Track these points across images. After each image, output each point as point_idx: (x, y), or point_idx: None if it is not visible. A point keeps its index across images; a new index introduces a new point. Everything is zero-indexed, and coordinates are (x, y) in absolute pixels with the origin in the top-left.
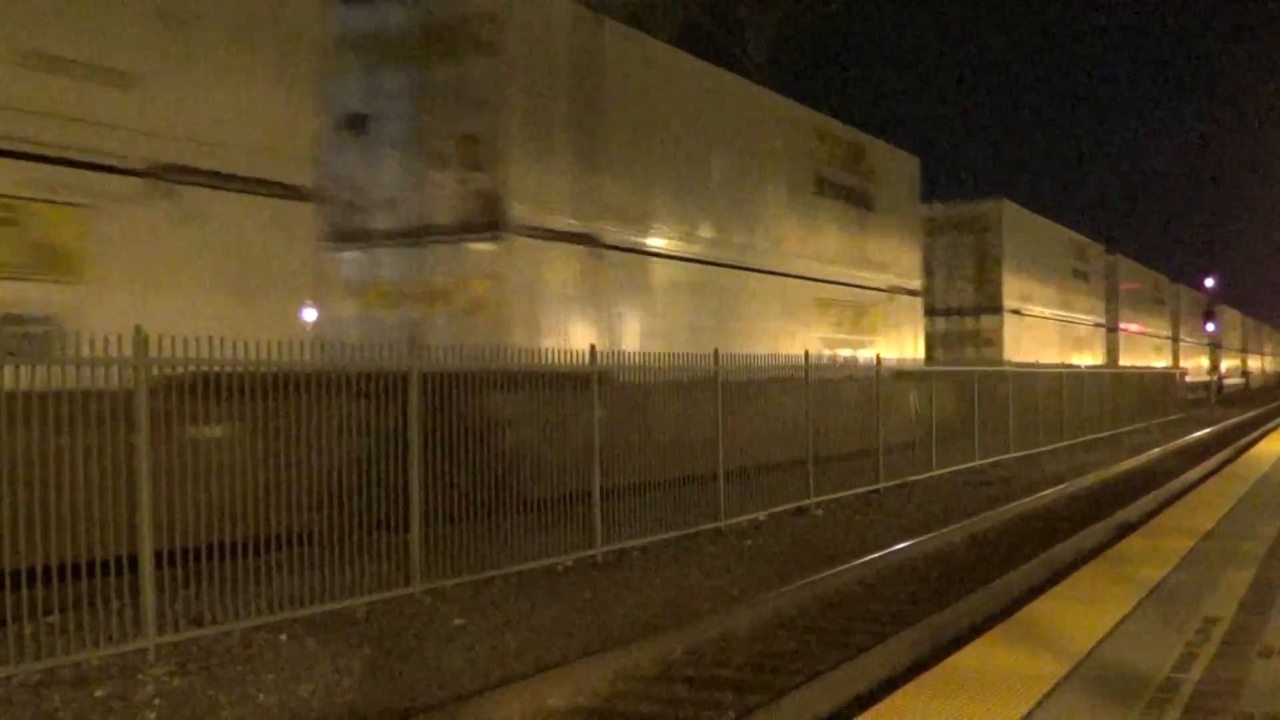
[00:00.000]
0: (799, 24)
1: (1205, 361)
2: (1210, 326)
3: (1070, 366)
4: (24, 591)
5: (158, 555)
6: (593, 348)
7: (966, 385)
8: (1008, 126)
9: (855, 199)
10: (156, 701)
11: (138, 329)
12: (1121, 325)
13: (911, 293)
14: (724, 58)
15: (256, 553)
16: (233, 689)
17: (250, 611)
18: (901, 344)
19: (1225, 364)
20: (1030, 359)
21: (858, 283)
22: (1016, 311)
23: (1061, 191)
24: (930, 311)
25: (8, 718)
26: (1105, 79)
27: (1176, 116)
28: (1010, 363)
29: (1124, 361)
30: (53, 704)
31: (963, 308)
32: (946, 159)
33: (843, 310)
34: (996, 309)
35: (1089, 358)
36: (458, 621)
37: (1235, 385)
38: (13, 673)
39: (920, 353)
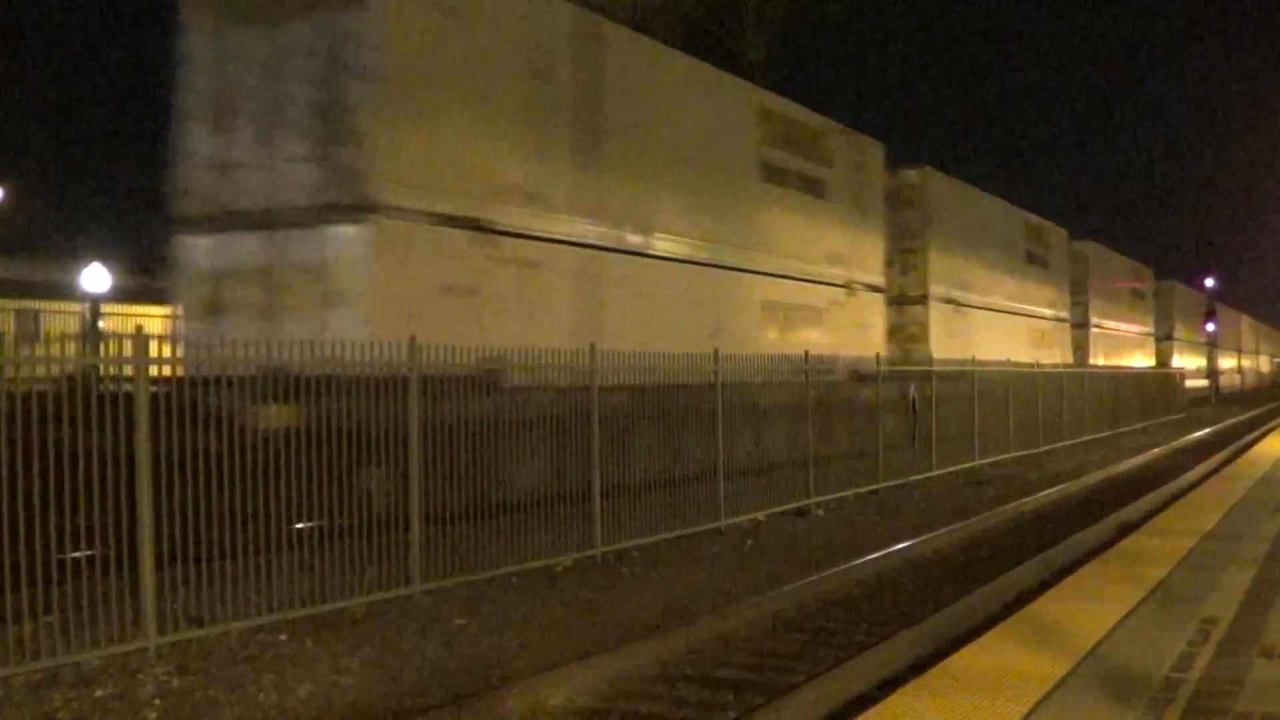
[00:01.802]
0: (799, 23)
1: (1144, 359)
2: (1211, 327)
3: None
4: (24, 591)
5: (158, 555)
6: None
7: None
8: (1007, 125)
9: None
10: (156, 701)
11: (138, 330)
12: (935, 292)
13: None
14: (724, 57)
15: (257, 552)
16: (233, 689)
17: (250, 611)
18: None
19: (1182, 362)
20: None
21: None
22: (482, 228)
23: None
24: (220, 223)
25: (8, 718)
26: (1106, 77)
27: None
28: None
29: (940, 352)
30: (53, 704)
31: (279, 208)
32: (947, 160)
33: None
34: (357, 210)
35: (813, 337)
36: (458, 621)
37: (1197, 390)
38: (13, 673)
39: None
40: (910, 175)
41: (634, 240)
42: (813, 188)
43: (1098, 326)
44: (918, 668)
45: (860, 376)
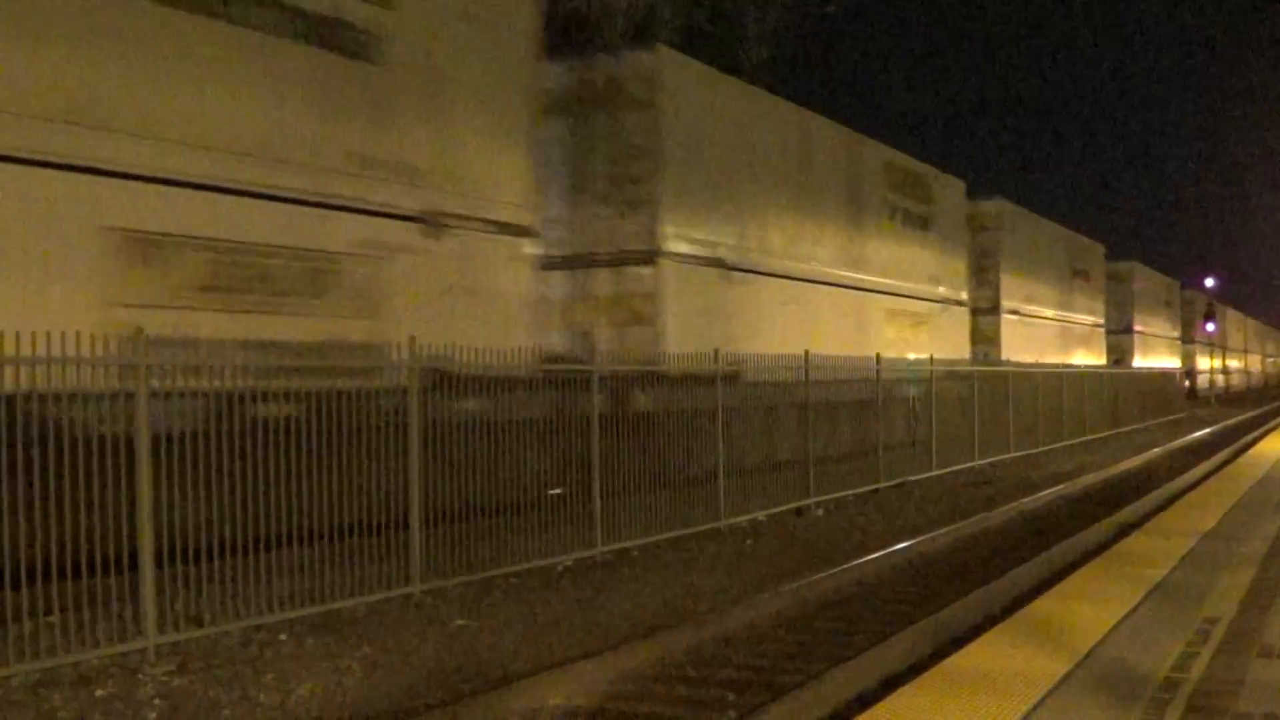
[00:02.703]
0: (798, 23)
1: (1090, 356)
2: (1210, 327)
3: None
4: (24, 591)
5: (158, 555)
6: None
7: None
8: (1009, 125)
9: None
10: (156, 701)
11: (138, 330)
12: (675, 249)
13: None
14: (724, 57)
15: (256, 552)
16: (233, 689)
17: (250, 611)
18: None
19: (1147, 361)
20: None
21: None
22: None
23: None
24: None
25: (8, 718)
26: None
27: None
28: None
29: (697, 339)
30: (53, 704)
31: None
32: (947, 161)
33: None
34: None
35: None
36: (459, 622)
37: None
38: (13, 673)
39: None
40: (638, 59)
41: None
42: (331, 38)
43: (1014, 313)
44: (918, 668)
45: (444, 379)
